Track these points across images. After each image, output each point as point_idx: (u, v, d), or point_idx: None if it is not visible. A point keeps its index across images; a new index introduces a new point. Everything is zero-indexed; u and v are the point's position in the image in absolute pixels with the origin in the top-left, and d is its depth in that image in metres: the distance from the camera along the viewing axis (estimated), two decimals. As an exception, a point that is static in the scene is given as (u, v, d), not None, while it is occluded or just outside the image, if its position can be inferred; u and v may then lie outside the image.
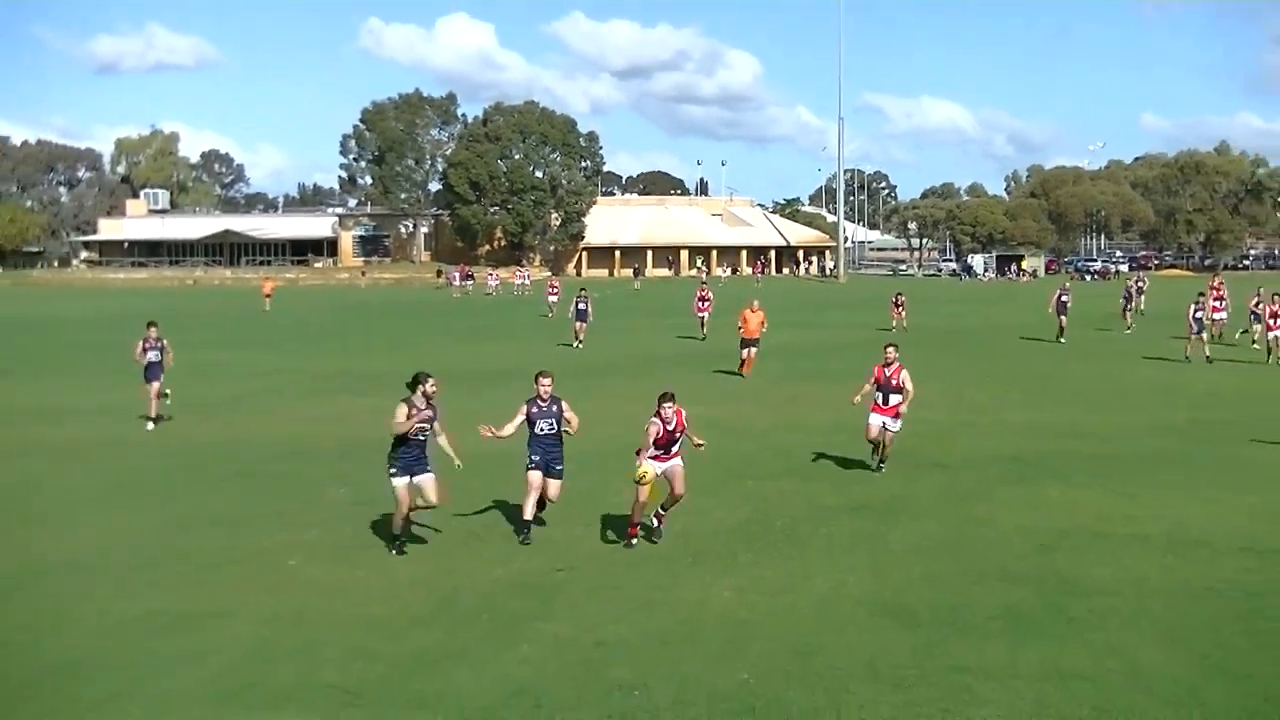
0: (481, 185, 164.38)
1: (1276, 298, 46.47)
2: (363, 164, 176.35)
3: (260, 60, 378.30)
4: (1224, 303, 55.04)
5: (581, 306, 55.25)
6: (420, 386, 18.78)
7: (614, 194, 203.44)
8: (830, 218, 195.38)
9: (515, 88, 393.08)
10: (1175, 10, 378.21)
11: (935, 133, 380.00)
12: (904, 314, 64.62)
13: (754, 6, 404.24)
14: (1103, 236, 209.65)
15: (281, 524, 20.79)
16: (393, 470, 18.60)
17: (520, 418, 19.65)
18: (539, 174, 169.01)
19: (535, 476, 19.51)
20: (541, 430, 19.70)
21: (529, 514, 19.34)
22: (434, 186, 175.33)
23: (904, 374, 25.55)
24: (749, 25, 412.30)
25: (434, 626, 15.22)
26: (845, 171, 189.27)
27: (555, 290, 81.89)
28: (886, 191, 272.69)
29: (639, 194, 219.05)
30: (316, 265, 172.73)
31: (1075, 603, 15.80)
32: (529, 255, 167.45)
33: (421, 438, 18.71)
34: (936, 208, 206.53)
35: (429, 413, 18.68)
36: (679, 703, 12.42)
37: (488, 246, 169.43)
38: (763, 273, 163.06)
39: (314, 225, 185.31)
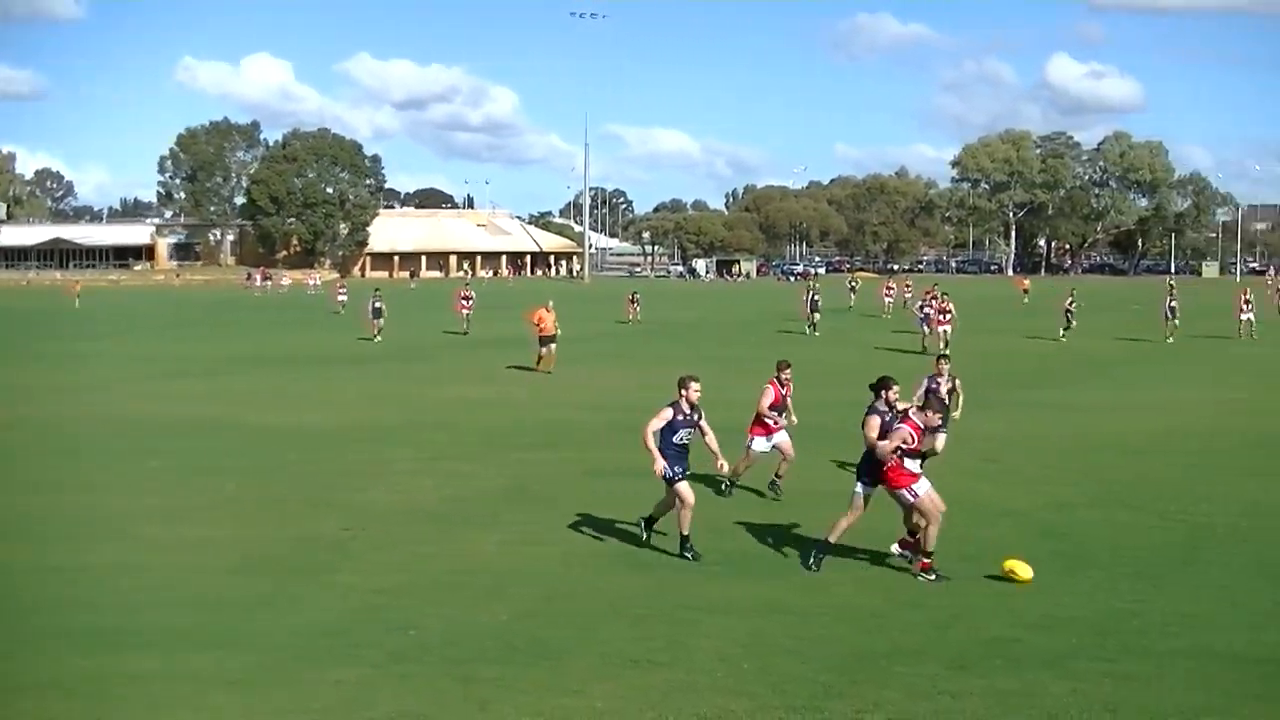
0: (280, 199, 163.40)
1: (945, 296, 47.73)
2: (178, 181, 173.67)
3: (89, 91, 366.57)
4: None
5: (377, 305, 54.48)
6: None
7: (394, 207, 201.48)
8: (577, 228, 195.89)
9: (310, 116, 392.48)
10: (863, 60, 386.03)
11: (666, 156, 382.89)
12: (638, 309, 65.11)
13: (514, 49, 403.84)
14: (804, 244, 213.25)
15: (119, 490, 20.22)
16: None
17: (662, 423, 16.00)
18: (330, 190, 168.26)
19: (688, 490, 15.85)
20: (681, 440, 16.11)
21: (687, 529, 15.81)
22: (239, 200, 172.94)
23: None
24: (510, 65, 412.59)
25: (244, 576, 14.90)
26: (590, 189, 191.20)
27: (343, 290, 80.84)
28: (625, 206, 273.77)
29: (415, 207, 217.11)
30: (135, 268, 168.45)
31: (784, 549, 15.98)
32: (320, 260, 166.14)
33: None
34: (666, 220, 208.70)
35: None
36: (447, 641, 12.30)
37: (285, 252, 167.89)
38: (517, 275, 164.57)
39: (134, 233, 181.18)
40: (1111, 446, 24.41)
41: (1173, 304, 53.38)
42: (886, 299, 72.69)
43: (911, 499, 14.70)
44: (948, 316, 46.14)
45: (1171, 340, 51.82)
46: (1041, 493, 19.75)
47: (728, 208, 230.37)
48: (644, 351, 47.95)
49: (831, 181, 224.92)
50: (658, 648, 12.03)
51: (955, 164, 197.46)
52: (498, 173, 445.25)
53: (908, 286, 78.19)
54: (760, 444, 19.85)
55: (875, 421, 15.22)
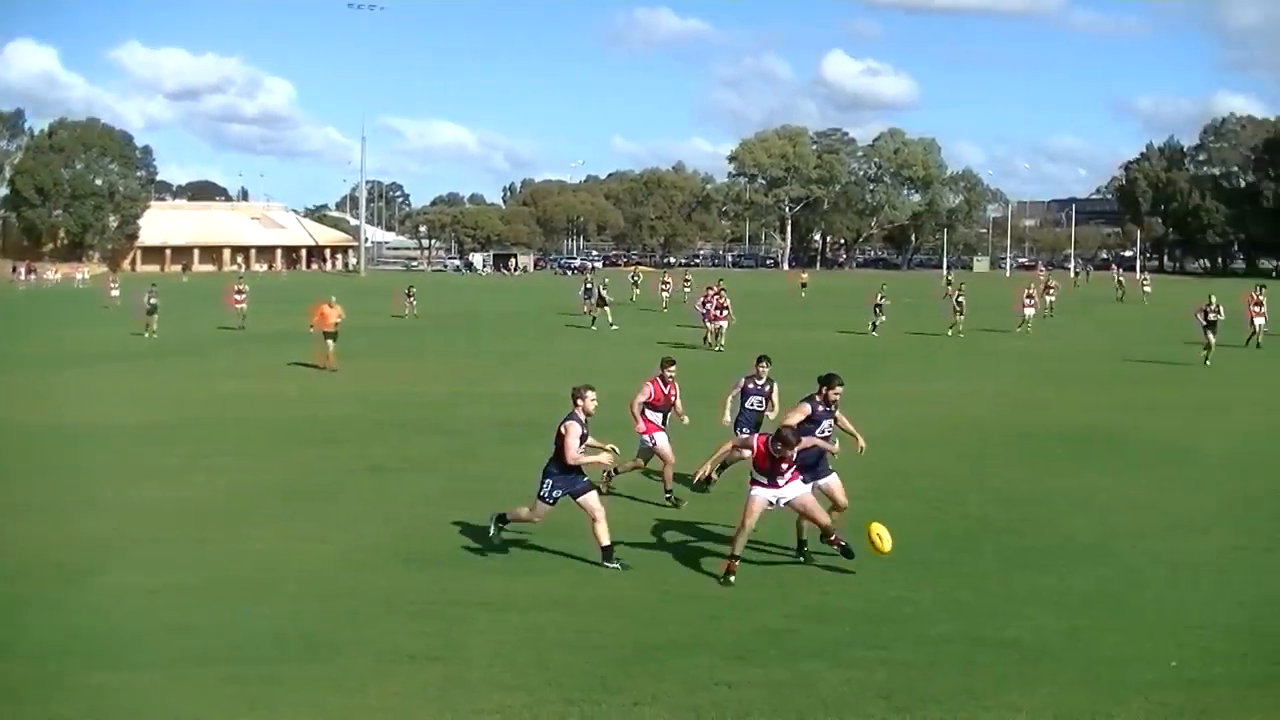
0: (46, 191, 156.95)
1: (724, 292, 48.12)
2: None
3: None
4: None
5: (152, 301, 52.96)
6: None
7: (166, 200, 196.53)
8: (354, 221, 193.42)
9: (79, 105, 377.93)
10: (641, 54, 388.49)
11: (443, 150, 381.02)
12: (414, 303, 64.55)
13: (291, 40, 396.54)
14: (581, 239, 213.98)
15: None
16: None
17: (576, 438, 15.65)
18: (98, 182, 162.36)
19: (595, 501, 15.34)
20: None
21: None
22: (2, 191, 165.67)
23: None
24: (286, 56, 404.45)
25: (7, 581, 14.40)
26: (366, 182, 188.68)
27: (115, 285, 78.61)
28: (401, 199, 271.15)
29: (188, 200, 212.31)
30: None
31: (559, 544, 15.86)
32: (89, 254, 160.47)
33: None
34: (444, 214, 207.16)
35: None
36: (223, 640, 12.07)
37: (52, 245, 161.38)
38: (291, 269, 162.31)
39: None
40: (890, 439, 24.95)
41: (960, 299, 54.64)
42: (663, 293, 73.28)
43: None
44: (724, 313, 46.57)
45: (958, 334, 53.08)
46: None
47: (505, 202, 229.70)
48: (421, 345, 47.60)
49: (609, 176, 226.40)
50: (434, 644, 11.97)
51: (732, 159, 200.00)
52: (273, 165, 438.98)
53: (686, 281, 78.60)
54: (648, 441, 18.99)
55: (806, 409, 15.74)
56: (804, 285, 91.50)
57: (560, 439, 15.01)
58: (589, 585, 14.13)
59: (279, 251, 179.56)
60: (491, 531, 15.65)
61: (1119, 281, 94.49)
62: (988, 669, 11.31)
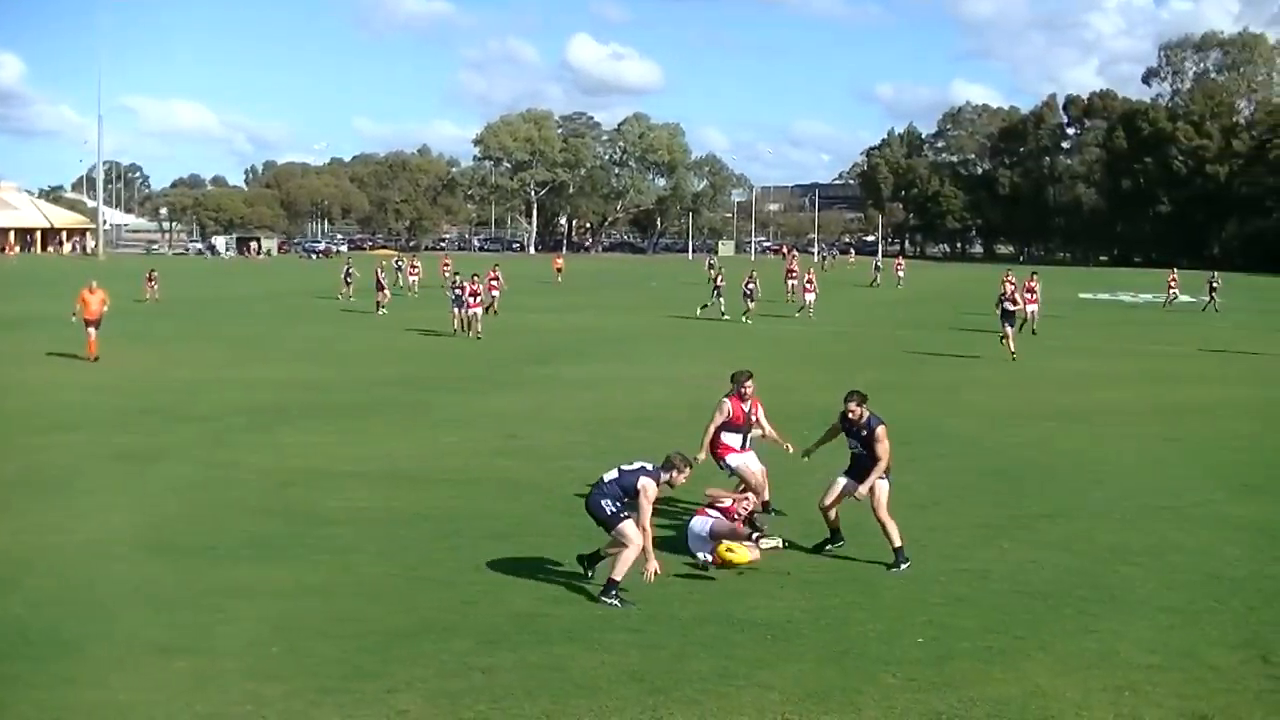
0: None
1: (475, 276, 47.70)
2: None
3: None
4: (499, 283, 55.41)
5: None
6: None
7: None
8: (91, 203, 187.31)
9: None
10: (385, 35, 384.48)
11: (184, 131, 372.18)
12: (156, 287, 62.72)
13: (21, 14, 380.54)
14: (326, 222, 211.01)
15: None
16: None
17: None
18: None
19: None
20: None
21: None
22: None
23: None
24: (15, 30, 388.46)
25: None
26: (105, 163, 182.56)
27: None
28: (141, 181, 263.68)
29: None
30: None
31: (310, 531, 15.80)
32: None
33: None
34: (185, 196, 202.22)
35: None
36: (-43, 637, 11.67)
37: None
38: (25, 250, 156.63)
39: None
40: (629, 420, 25.25)
41: (750, 285, 54.75)
42: (412, 278, 72.70)
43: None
44: (476, 299, 45.62)
45: (749, 321, 53.35)
46: (564, 467, 20.18)
47: (248, 184, 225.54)
48: (164, 331, 46.36)
49: (354, 159, 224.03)
50: (185, 634, 11.72)
51: (478, 142, 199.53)
52: (4, 144, 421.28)
53: (446, 265, 76.36)
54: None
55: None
56: (559, 270, 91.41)
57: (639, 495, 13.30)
58: (342, 571, 13.99)
59: (11, 234, 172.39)
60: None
61: (876, 266, 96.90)
62: (740, 649, 11.53)
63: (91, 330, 35.46)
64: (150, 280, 62.81)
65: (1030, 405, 28.40)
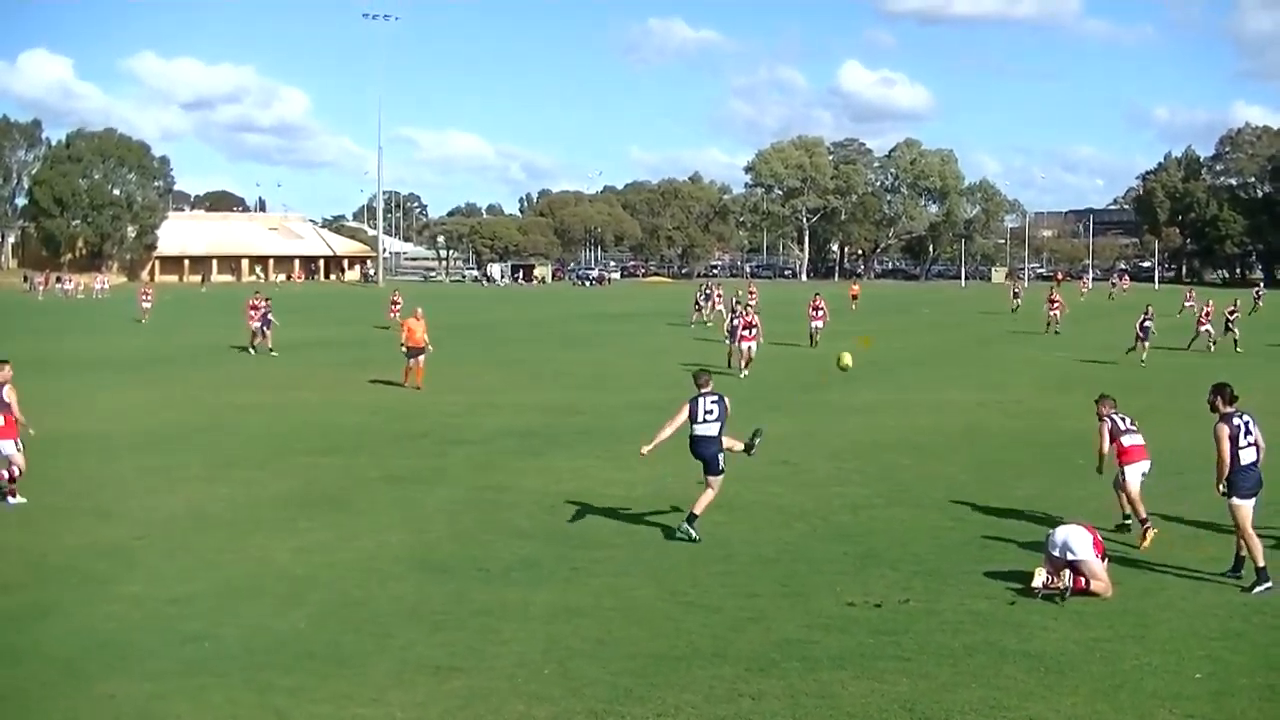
0: (64, 201, 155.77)
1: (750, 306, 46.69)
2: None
3: None
4: (821, 312, 52.96)
5: (268, 316, 47.94)
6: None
7: (184, 210, 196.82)
8: (371, 231, 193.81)
9: (94, 115, 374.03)
10: (656, 64, 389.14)
11: (460, 160, 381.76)
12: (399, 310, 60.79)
13: (305, 50, 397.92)
14: (599, 249, 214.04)
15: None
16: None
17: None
18: (116, 191, 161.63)
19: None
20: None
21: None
22: (21, 201, 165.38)
23: None
24: (301, 65, 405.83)
25: (27, 588, 14.46)
26: (384, 193, 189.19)
27: (148, 296, 73.03)
28: (419, 210, 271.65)
29: (206, 210, 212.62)
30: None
31: (579, 554, 16.02)
32: (108, 263, 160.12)
33: None
34: (461, 224, 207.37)
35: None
36: (246, 650, 12.12)
37: (70, 255, 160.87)
38: (309, 278, 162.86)
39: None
40: (901, 445, 24.98)
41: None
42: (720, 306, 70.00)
43: None
44: (751, 332, 42.40)
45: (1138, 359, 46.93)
46: (834, 494, 20.11)
47: (522, 212, 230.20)
48: (438, 356, 47.48)
49: (626, 186, 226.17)
50: (457, 654, 11.99)
51: (749, 169, 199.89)
52: (289, 175, 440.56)
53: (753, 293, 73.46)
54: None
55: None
56: (855, 297, 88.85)
57: None
58: (610, 595, 14.12)
59: (297, 261, 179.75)
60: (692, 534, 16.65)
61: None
62: (1011, 680, 11.29)
63: (418, 359, 35.25)
64: (394, 305, 62.54)
65: None
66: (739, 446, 17.64)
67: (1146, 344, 44.78)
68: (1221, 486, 14.49)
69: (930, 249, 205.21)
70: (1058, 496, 19.49)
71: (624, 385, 36.54)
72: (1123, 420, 17.44)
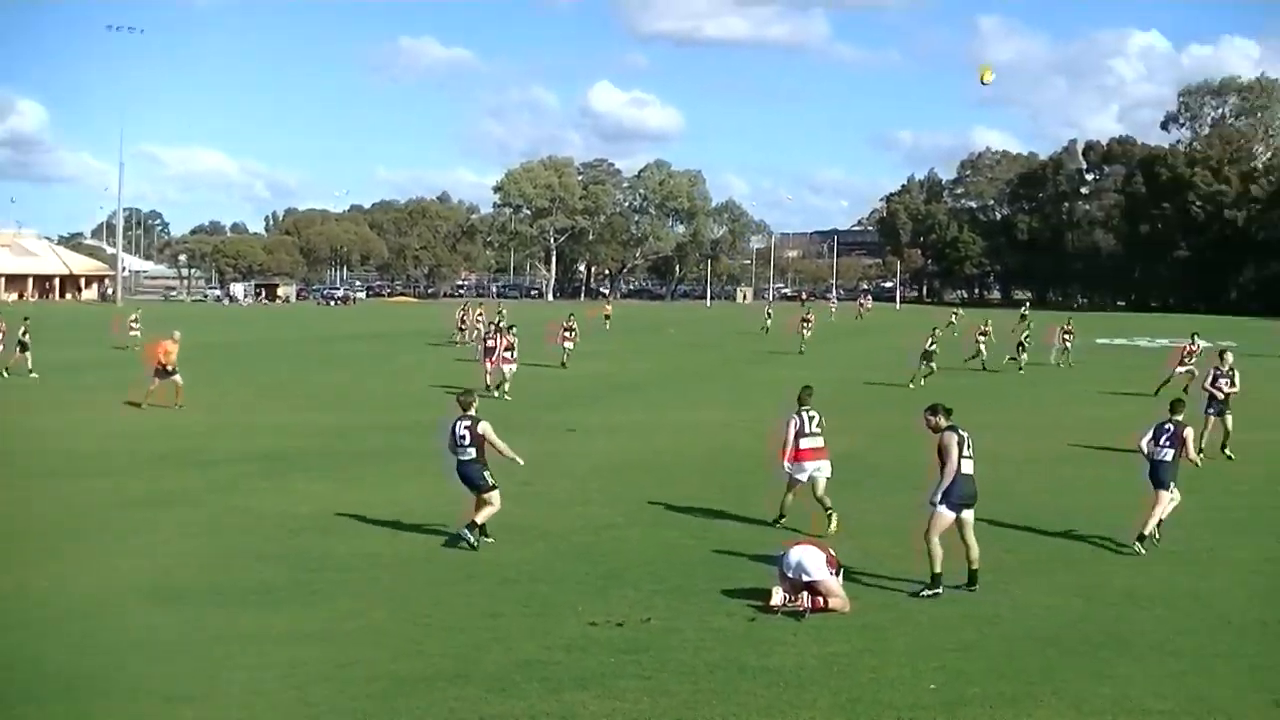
0: None
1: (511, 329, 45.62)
2: None
3: None
4: (573, 333, 52.55)
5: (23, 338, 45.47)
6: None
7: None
8: (110, 250, 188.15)
9: None
10: (405, 83, 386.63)
11: (204, 177, 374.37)
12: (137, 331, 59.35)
13: (44, 61, 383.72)
14: (345, 268, 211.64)
15: None
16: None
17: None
18: None
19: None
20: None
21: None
22: None
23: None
24: (39, 77, 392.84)
25: None
26: (125, 210, 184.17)
27: None
28: (161, 228, 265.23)
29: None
30: None
31: (318, 577, 15.76)
32: None
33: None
34: (204, 242, 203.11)
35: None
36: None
37: None
38: (43, 297, 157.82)
39: None
40: (640, 465, 25.15)
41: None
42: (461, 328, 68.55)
43: None
44: (512, 354, 39.92)
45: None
46: (577, 514, 20.14)
47: (268, 231, 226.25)
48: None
49: (374, 205, 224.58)
50: (190, 683, 11.65)
51: (498, 189, 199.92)
52: (25, 190, 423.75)
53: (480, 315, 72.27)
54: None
55: None
56: (608, 317, 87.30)
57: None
58: (350, 618, 13.92)
59: (30, 280, 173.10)
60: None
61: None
62: (752, 697, 11.42)
63: (171, 379, 34.90)
64: (133, 325, 60.47)
65: (1045, 449, 28.19)
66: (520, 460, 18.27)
67: (933, 365, 45.11)
68: (936, 496, 15.01)
69: (677, 269, 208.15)
70: (802, 513, 19.80)
71: (370, 406, 36.14)
72: (809, 421, 18.94)
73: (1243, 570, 16.67)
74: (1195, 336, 43.28)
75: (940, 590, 14.83)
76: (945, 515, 14.99)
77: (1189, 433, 18.31)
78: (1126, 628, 13.80)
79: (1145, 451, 18.32)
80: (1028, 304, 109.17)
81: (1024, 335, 53.40)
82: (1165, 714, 10.99)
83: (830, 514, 18.63)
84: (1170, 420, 18.21)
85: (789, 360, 56.09)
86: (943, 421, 15.33)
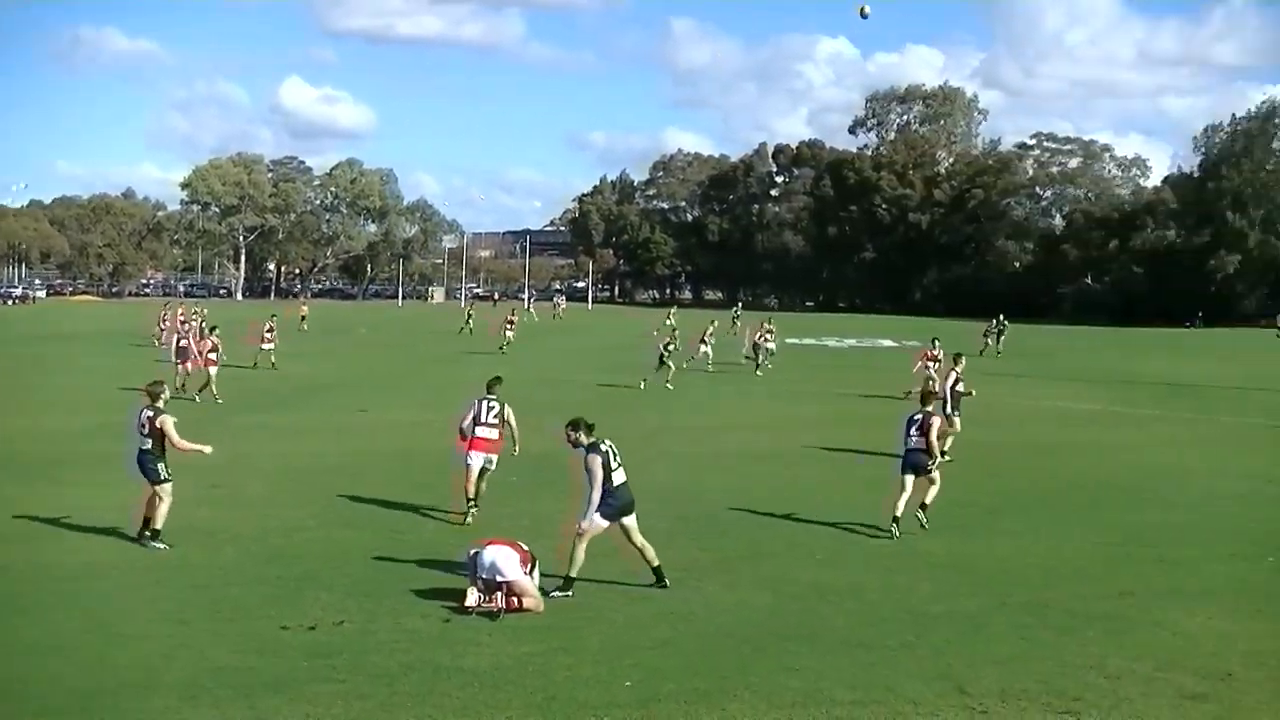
0: None
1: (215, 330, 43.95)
2: None
3: None
4: (273, 333, 51.13)
5: None
6: None
7: None
8: None
9: None
10: (86, 74, 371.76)
11: None
12: None
13: None
14: (24, 266, 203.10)
15: None
16: None
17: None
18: None
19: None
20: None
21: None
22: None
23: None
24: None
25: None
26: None
27: None
28: None
29: None
30: None
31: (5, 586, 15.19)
32: None
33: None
34: None
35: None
36: None
37: None
38: None
39: None
40: (337, 467, 24.86)
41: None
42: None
43: None
44: (217, 355, 38.98)
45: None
46: (268, 516, 19.78)
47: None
48: None
49: (54, 201, 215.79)
50: None
51: (185, 186, 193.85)
52: None
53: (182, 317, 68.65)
54: None
55: None
56: (304, 317, 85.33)
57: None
58: (32, 629, 13.40)
59: None
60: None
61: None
62: (448, 698, 11.42)
63: None
64: None
65: (730, 447, 28.87)
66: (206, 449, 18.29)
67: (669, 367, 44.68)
68: (592, 513, 15.14)
69: (369, 268, 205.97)
70: (492, 514, 19.82)
71: (55, 409, 34.72)
72: (488, 411, 19.79)
73: (929, 565, 17.27)
74: (936, 341, 44.12)
75: (571, 593, 14.92)
76: (599, 524, 15.14)
77: (935, 421, 19.88)
78: (816, 621, 14.23)
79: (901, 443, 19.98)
80: (739, 305, 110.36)
81: (760, 336, 54.83)
82: (854, 704, 11.36)
83: (472, 509, 19.39)
84: (920, 411, 20.03)
85: (489, 360, 56.00)
86: (584, 438, 15.42)
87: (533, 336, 76.27)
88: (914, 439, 19.55)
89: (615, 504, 15.15)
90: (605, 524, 15.16)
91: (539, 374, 47.42)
